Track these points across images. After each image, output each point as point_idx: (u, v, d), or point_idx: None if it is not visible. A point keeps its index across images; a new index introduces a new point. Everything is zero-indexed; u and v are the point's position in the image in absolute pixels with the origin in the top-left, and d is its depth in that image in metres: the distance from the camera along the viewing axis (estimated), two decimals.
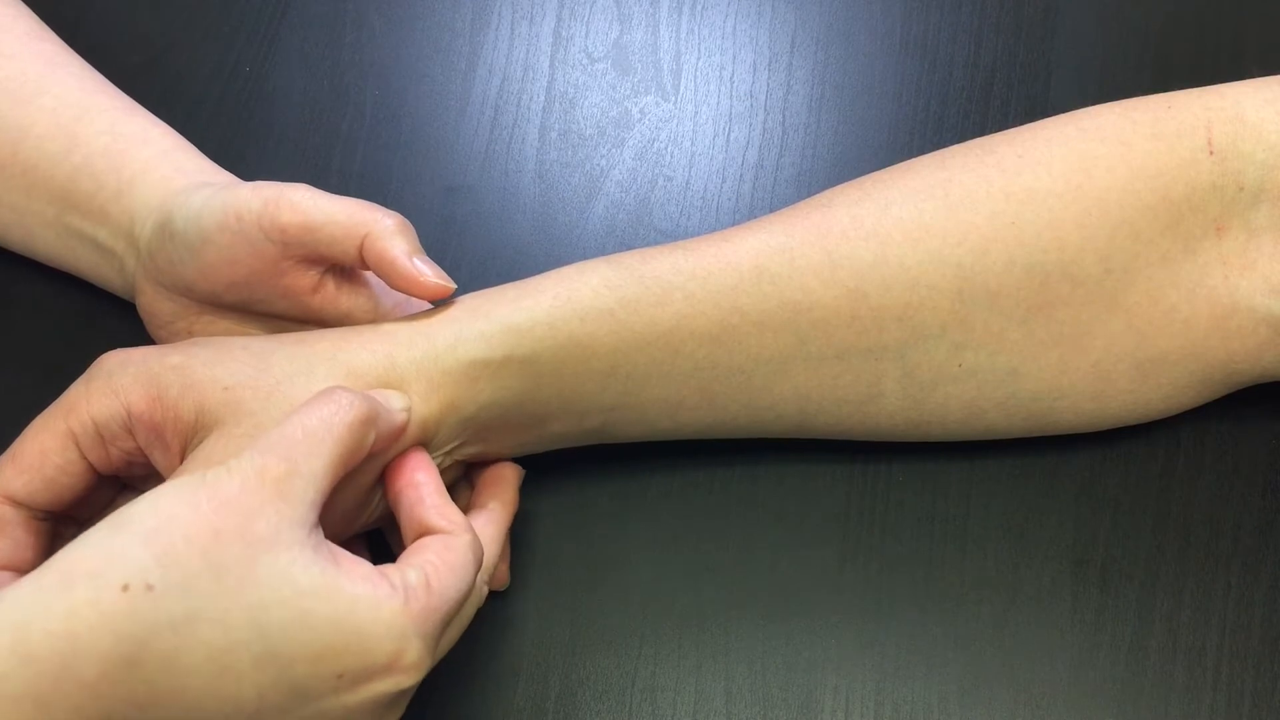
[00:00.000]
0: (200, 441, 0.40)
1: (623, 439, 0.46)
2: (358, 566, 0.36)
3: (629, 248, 0.53)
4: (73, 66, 0.50)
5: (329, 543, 0.37)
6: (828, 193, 0.46)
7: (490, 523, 0.44)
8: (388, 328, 0.43)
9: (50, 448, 0.41)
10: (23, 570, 0.41)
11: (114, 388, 0.41)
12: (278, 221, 0.42)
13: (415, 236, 0.43)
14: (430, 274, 0.43)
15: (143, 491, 0.43)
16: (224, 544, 0.34)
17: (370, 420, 0.39)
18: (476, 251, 0.53)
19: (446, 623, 0.38)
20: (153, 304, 0.46)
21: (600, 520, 0.48)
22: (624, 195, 0.54)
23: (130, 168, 0.46)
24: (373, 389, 0.41)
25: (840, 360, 0.44)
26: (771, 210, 0.54)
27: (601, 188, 0.54)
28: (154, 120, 0.49)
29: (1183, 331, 0.45)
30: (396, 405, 0.41)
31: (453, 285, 0.43)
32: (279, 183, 0.44)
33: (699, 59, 0.57)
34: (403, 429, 0.41)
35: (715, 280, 0.43)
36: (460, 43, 0.57)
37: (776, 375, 0.44)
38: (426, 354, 0.42)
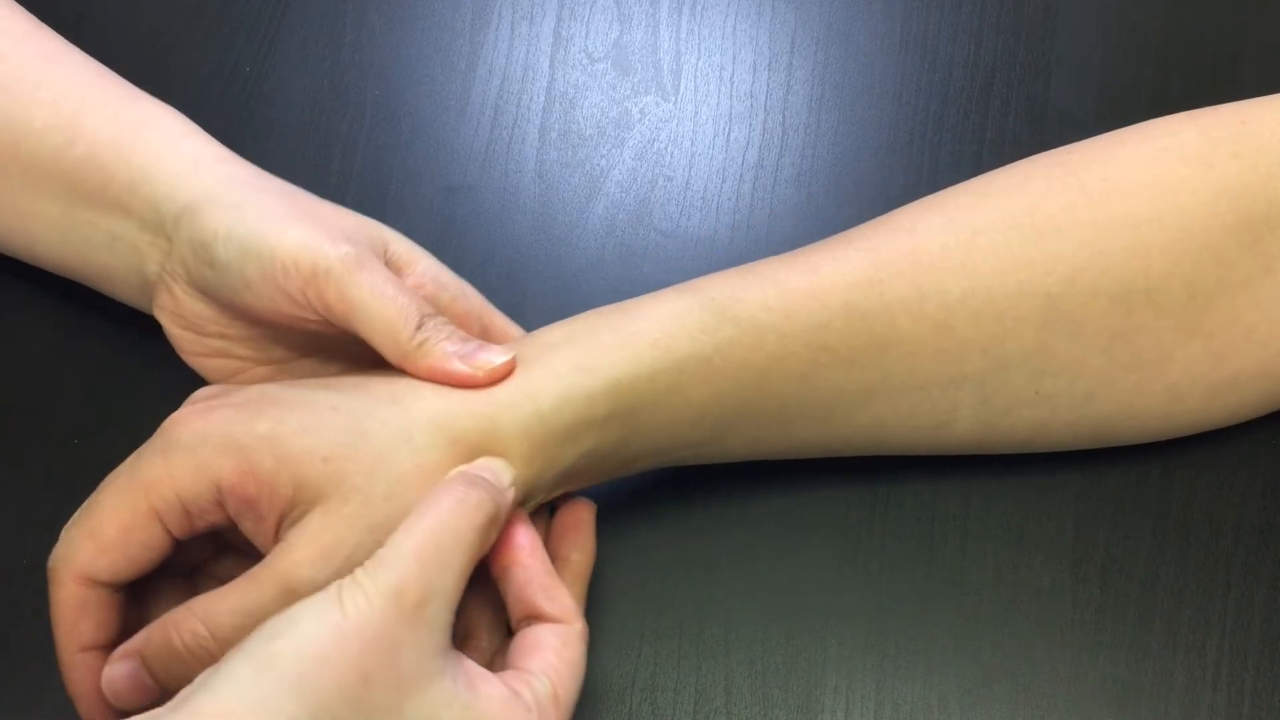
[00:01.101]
0: (300, 515, 0.39)
1: (700, 463, 0.46)
2: (491, 687, 0.36)
3: (629, 248, 0.53)
4: (74, 62, 0.48)
5: (462, 660, 0.37)
6: (908, 213, 0.45)
7: (578, 579, 0.44)
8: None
9: (132, 525, 0.39)
10: (108, 646, 0.40)
11: (199, 462, 0.39)
12: (322, 297, 0.41)
13: (452, 329, 0.42)
14: (488, 360, 0.41)
15: (215, 538, 0.43)
16: (373, 690, 0.34)
17: (496, 519, 0.38)
18: (476, 251, 0.53)
19: None
20: (181, 304, 0.44)
21: (600, 520, 0.48)
22: (624, 195, 0.54)
23: (140, 157, 0.45)
24: (478, 461, 0.40)
25: (920, 390, 0.44)
26: (771, 210, 0.54)
27: (601, 188, 0.54)
28: (161, 106, 0.47)
29: (1258, 351, 0.45)
30: (505, 481, 0.40)
31: (512, 363, 0.41)
32: (325, 246, 0.41)
33: (699, 59, 0.57)
34: (512, 505, 0.40)
35: (806, 318, 0.43)
36: (460, 43, 0.57)
37: (857, 407, 0.44)
38: (531, 416, 0.41)
